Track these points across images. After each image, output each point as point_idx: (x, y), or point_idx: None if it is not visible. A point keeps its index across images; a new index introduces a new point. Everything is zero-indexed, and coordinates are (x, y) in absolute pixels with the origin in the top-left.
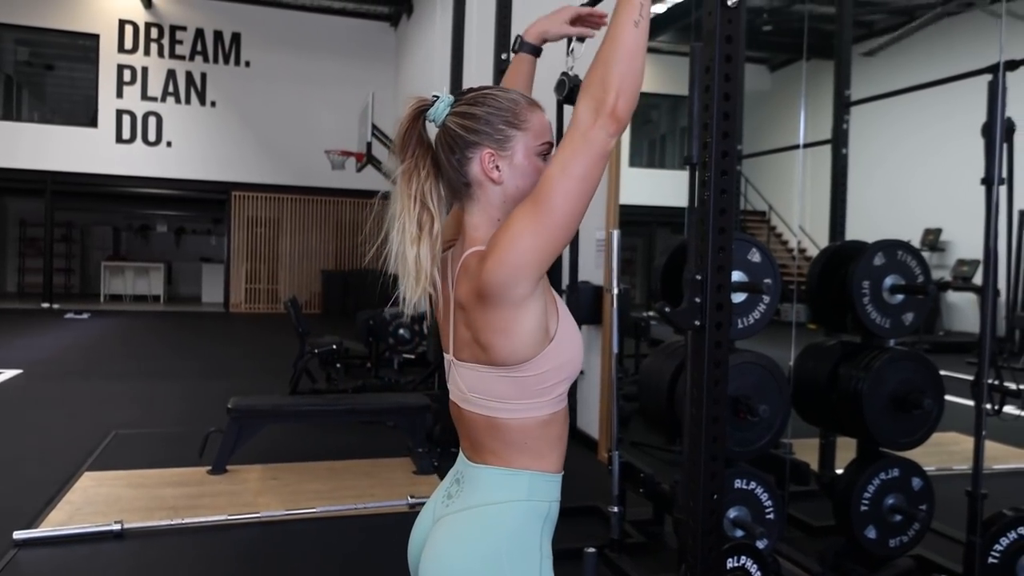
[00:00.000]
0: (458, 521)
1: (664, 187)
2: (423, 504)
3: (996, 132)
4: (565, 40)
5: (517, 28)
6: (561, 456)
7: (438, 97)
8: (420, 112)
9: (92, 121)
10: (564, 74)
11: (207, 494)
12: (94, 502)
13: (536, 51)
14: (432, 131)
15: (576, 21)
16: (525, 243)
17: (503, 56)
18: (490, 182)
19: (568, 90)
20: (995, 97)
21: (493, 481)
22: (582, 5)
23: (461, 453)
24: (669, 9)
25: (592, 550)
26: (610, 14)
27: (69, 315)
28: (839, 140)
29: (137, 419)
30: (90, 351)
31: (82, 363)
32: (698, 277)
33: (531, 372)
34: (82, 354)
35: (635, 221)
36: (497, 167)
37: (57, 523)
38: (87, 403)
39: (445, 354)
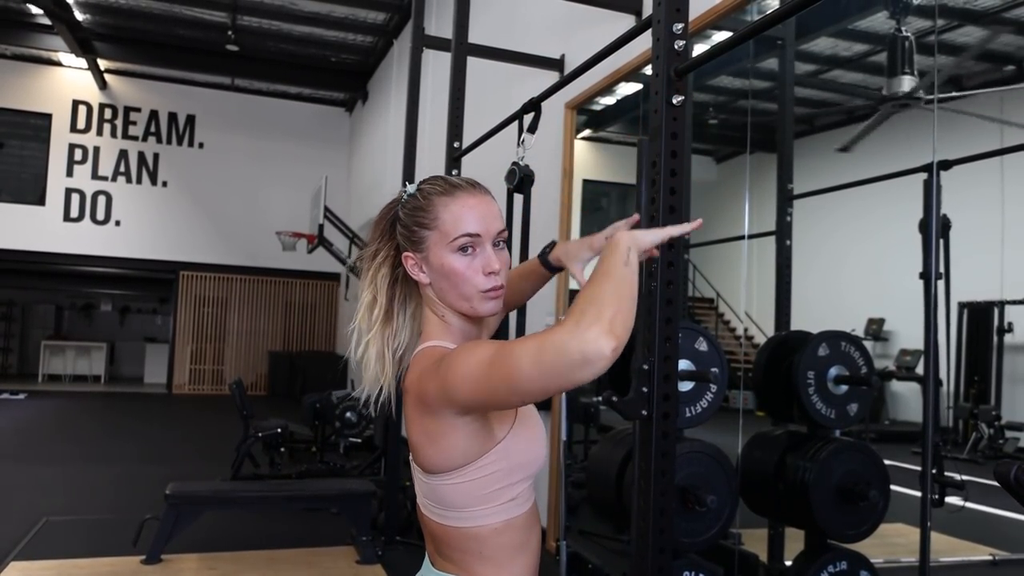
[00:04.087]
0: None
1: None
2: None
3: (932, 229)
4: (516, 130)
5: (470, 117)
6: (528, 566)
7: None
8: (393, 207)
9: (40, 199)
10: (515, 163)
11: None
12: None
13: (553, 269)
14: None
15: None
16: (470, 388)
17: (455, 144)
18: (422, 283)
19: (518, 179)
20: (930, 195)
21: None
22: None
23: (426, 555)
24: (618, 101)
25: None
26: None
27: (4, 396)
28: (783, 232)
29: (70, 505)
30: (24, 433)
31: (14, 446)
32: (645, 367)
33: (468, 478)
34: (15, 436)
35: None
36: (421, 269)
37: None
38: (17, 488)
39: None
